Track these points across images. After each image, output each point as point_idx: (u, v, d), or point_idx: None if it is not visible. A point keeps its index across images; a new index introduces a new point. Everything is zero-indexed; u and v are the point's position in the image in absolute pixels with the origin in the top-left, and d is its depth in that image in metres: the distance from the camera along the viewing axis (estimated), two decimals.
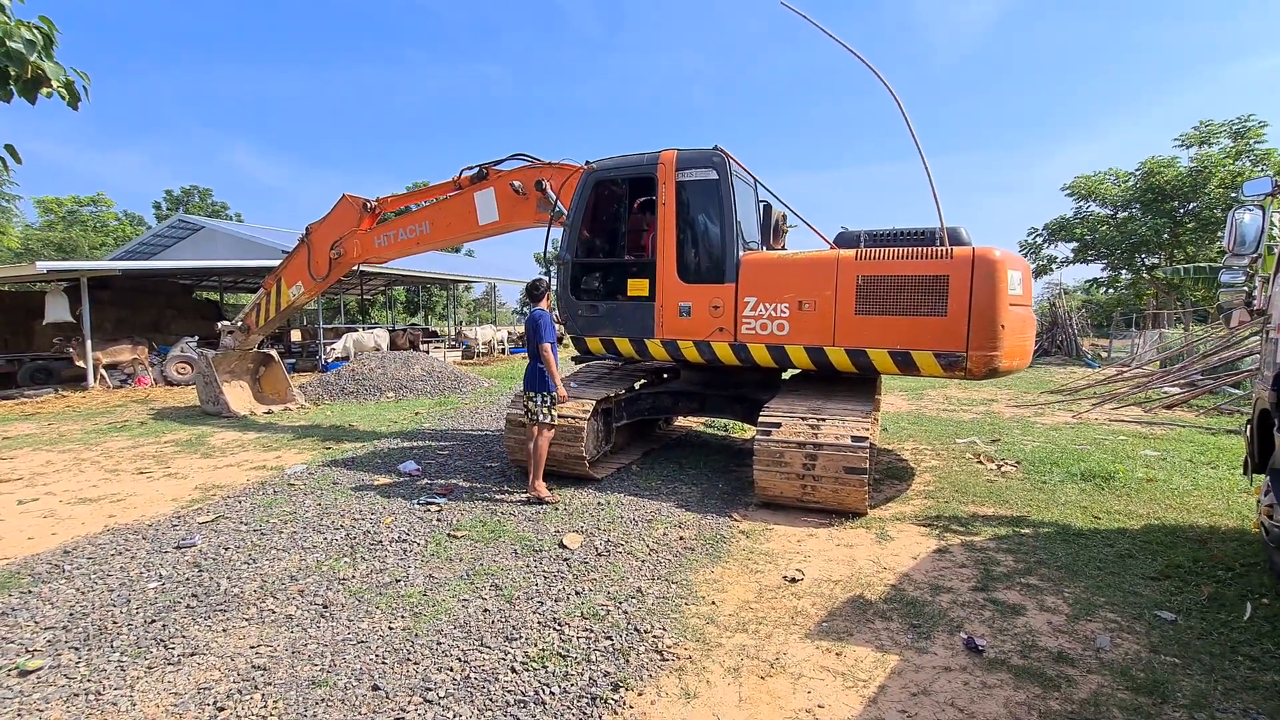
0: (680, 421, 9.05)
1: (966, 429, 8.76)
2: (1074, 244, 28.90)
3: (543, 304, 5.64)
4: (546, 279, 5.91)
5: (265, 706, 2.71)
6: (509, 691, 2.79)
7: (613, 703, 2.71)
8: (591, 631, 3.29)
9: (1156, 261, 27.62)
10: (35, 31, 3.26)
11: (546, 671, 2.93)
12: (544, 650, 3.11)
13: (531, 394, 5.51)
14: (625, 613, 3.49)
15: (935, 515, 5.08)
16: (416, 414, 10.40)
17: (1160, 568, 4.03)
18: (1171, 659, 3.01)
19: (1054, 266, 30.51)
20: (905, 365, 5.21)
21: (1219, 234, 24.77)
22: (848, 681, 2.86)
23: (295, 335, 23.71)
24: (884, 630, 3.32)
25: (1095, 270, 31.01)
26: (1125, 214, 27.00)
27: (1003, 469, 6.51)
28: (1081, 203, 28.49)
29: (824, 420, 5.07)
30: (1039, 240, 30.18)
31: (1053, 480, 6.03)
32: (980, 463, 6.79)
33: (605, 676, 2.90)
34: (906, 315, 5.14)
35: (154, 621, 3.45)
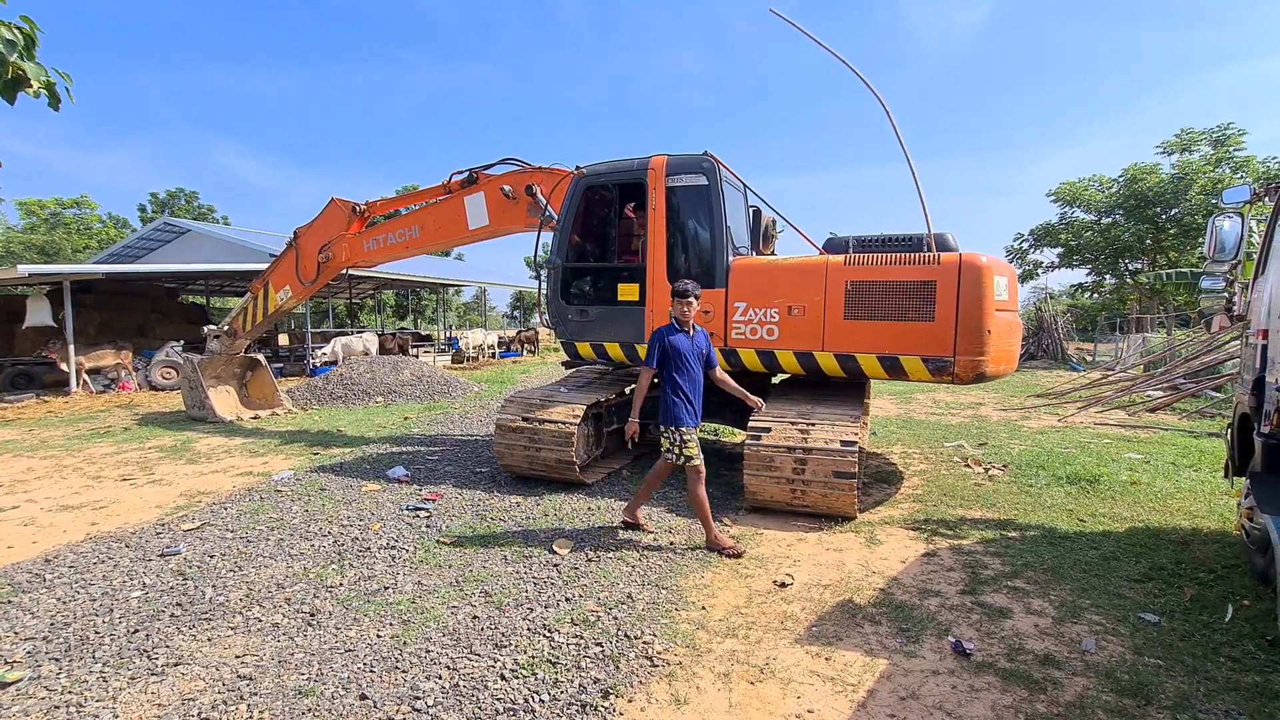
0: None
1: (954, 433, 8.83)
2: (1059, 249, 29.31)
3: (682, 309, 4.50)
4: (691, 282, 4.58)
5: (251, 717, 2.67)
6: (498, 699, 2.77)
7: (603, 709, 2.70)
8: (581, 638, 3.28)
9: (1140, 267, 28.04)
10: (16, 31, 3.22)
11: (536, 679, 2.92)
12: (533, 657, 3.10)
13: (661, 428, 4.55)
14: (615, 619, 3.48)
15: (924, 519, 5.12)
16: (405, 419, 10.34)
17: (1144, 570, 4.08)
18: (1155, 660, 3.05)
19: (1040, 271, 30.93)
20: (893, 370, 5.25)
21: (1200, 240, 25.21)
22: (837, 686, 2.87)
23: (283, 339, 23.54)
24: (873, 634, 3.33)
25: (1080, 275, 31.46)
26: (1109, 220, 27.43)
27: (990, 472, 6.57)
28: (1066, 208, 28.91)
29: (813, 425, 5.09)
30: (1025, 245, 30.58)
31: (1039, 483, 6.09)
32: (968, 466, 6.85)
33: (595, 683, 2.89)
34: (894, 320, 5.18)
35: (137, 631, 3.40)
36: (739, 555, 4.38)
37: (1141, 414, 10.29)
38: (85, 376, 14.00)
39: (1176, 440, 8.09)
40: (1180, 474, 6.38)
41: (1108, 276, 30.15)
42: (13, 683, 2.93)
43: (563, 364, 7.56)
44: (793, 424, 5.15)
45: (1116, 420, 9.87)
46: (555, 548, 4.49)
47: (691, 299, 4.49)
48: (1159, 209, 25.56)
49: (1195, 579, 3.92)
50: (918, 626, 3.39)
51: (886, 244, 5.59)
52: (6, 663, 3.11)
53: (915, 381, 5.33)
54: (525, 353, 26.49)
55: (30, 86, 3.31)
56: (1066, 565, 4.16)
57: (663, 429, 4.52)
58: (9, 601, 3.76)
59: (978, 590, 3.81)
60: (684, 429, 4.46)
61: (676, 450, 4.49)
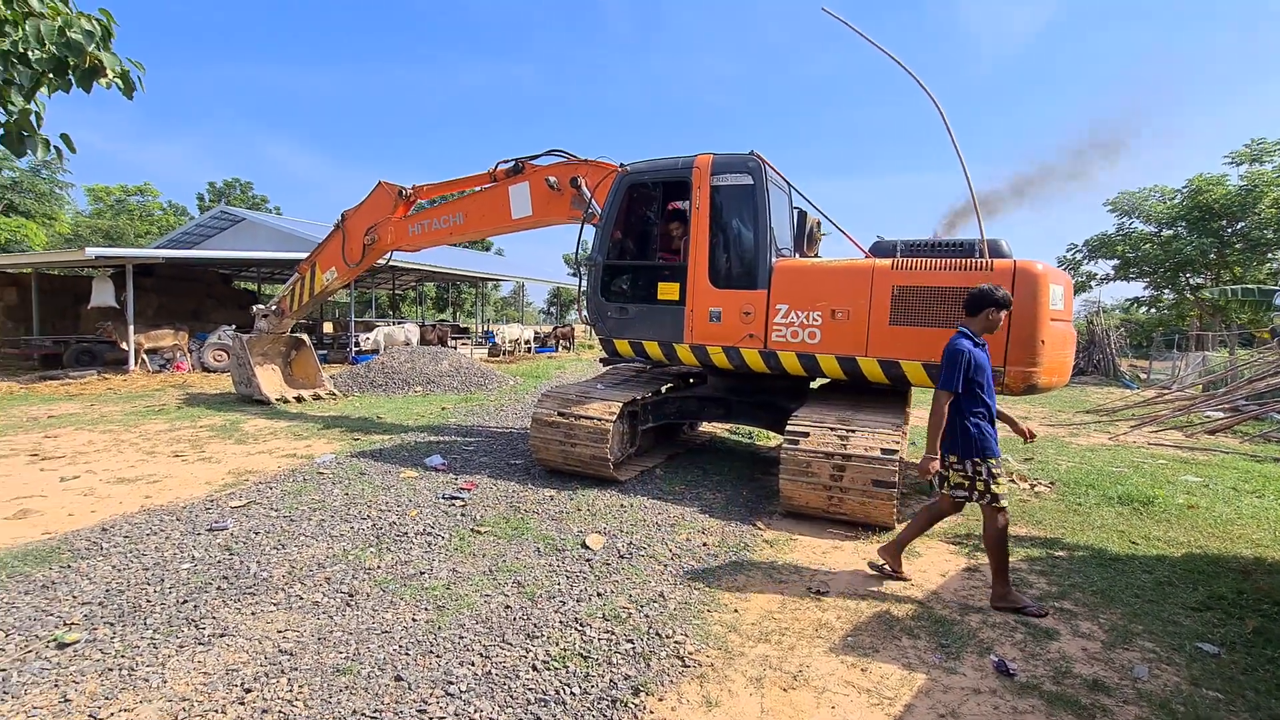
0: (704, 427, 9.00)
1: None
2: (1115, 261, 28.19)
3: (998, 319, 3.82)
4: (996, 290, 3.81)
5: (291, 691, 2.74)
6: (530, 689, 2.79)
7: (633, 706, 2.69)
8: (613, 634, 3.27)
9: (1201, 281, 26.76)
10: (94, 23, 3.37)
11: (567, 671, 2.93)
12: (565, 650, 3.11)
13: (951, 458, 3.76)
14: (647, 616, 3.47)
15: (965, 533, 4.96)
16: (443, 409, 10.52)
17: (1202, 598, 3.88)
18: (1214, 693, 2.89)
19: (1093, 284, 29.81)
20: None
21: (1270, 255, 23.91)
22: (873, 699, 2.80)
23: (327, 327, 24.22)
24: (911, 648, 3.24)
25: (1137, 289, 30.18)
26: (1170, 232, 26.25)
27: (1036, 489, 6.34)
28: (1124, 219, 27.77)
29: (853, 431, 4.99)
30: (1079, 256, 29.49)
31: (1088, 502, 5.85)
32: (1012, 481, 6.62)
33: (626, 680, 2.88)
34: (943, 327, 5.04)
35: (186, 601, 3.53)
36: (1043, 615, 3.61)
37: (1200, 435, 9.80)
38: (143, 356, 14.65)
39: (1238, 464, 7.69)
40: (1242, 500, 6.06)
41: (1166, 291, 28.86)
42: (71, 644, 3.08)
43: (601, 360, 7.58)
44: (831, 429, 5.05)
45: (1173, 441, 9.42)
46: (588, 542, 4.49)
47: (1009, 309, 3.87)
48: (1225, 222, 24.35)
49: (1258, 610, 3.71)
50: (958, 643, 3.28)
51: (936, 249, 5.44)
52: (66, 624, 3.26)
53: None
54: (560, 348, 26.69)
55: (105, 76, 3.46)
56: (1117, 588, 3.98)
57: (961, 461, 3.73)
58: (69, 567, 3.95)
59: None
60: (992, 460, 3.69)
61: (981, 487, 3.66)
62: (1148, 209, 26.72)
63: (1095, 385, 18.16)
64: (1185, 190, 25.68)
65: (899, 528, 4.81)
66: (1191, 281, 27.28)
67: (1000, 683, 2.94)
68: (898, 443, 4.85)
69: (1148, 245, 26.71)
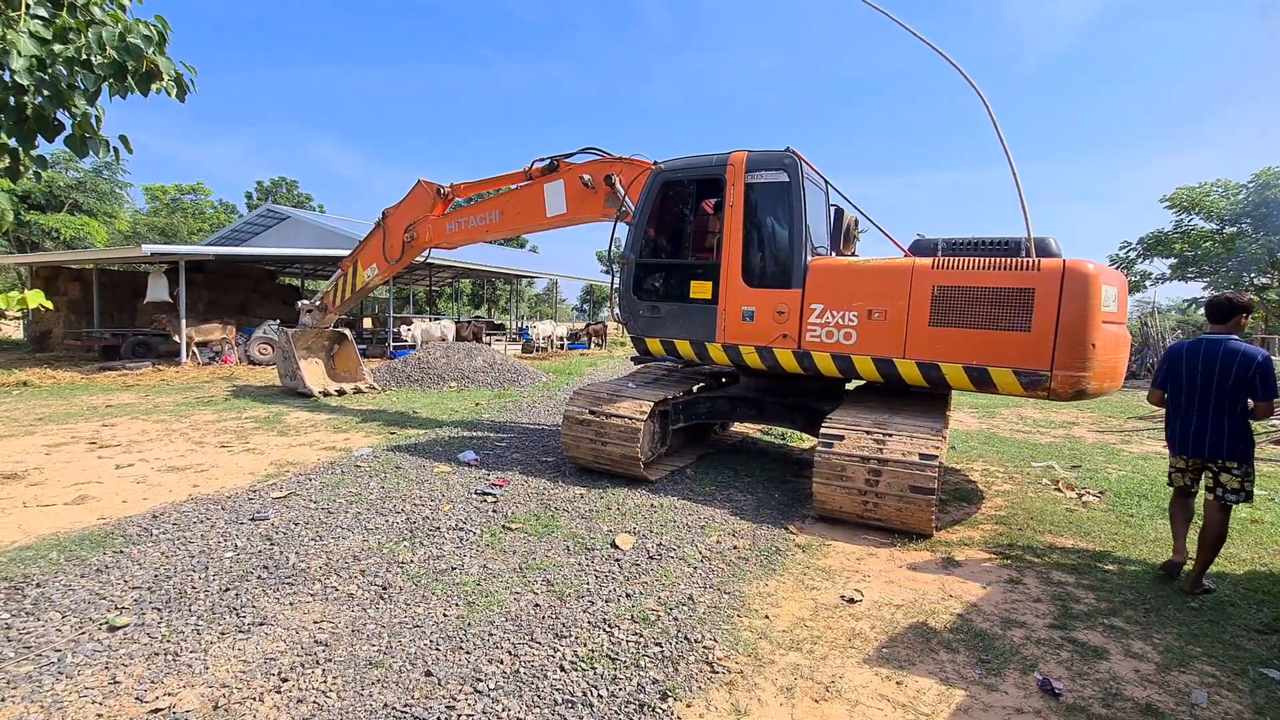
0: (736, 427, 8.91)
1: (1043, 453, 8.25)
2: (1172, 260, 26.92)
3: (1228, 328, 4.04)
4: (1239, 296, 4.10)
5: (325, 682, 2.80)
6: (557, 689, 2.78)
7: (661, 712, 2.66)
8: (641, 636, 3.25)
9: (1268, 282, 25.37)
10: (151, 28, 3.50)
11: (595, 673, 2.91)
12: (593, 651, 3.09)
13: (1231, 464, 3.85)
14: (675, 619, 3.44)
15: (1008, 543, 4.79)
16: (477, 404, 10.65)
17: (1266, 620, 3.66)
18: None
19: (1148, 284, 28.54)
20: (981, 382, 4.93)
21: None
22: (909, 714, 2.72)
23: (366, 323, 24.83)
24: (949, 662, 3.13)
25: (1195, 289, 28.82)
26: (1233, 229, 24.94)
27: (1084, 498, 6.09)
28: (1183, 215, 26.49)
29: (890, 435, 4.86)
30: (1132, 255, 28.26)
31: (1141, 514, 5.59)
32: (1059, 490, 6.37)
33: (654, 684, 2.85)
34: (985, 329, 4.87)
35: (228, 590, 3.64)
36: (1211, 591, 3.91)
37: (1265, 446, 9.28)
38: (194, 348, 15.23)
39: None
40: None
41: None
42: (121, 627, 3.20)
43: (632, 359, 7.56)
44: (868, 433, 4.93)
45: None
46: (617, 542, 4.48)
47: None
48: None
49: None
50: (999, 659, 3.16)
51: (980, 248, 5.27)
52: (117, 608, 3.39)
53: (1004, 395, 5.00)
54: (592, 346, 26.79)
55: (162, 79, 3.58)
56: (1173, 607, 3.78)
57: (1241, 465, 3.84)
58: (121, 552, 4.11)
59: (1069, 625, 3.53)
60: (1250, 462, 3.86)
61: (1250, 487, 3.84)
62: (1209, 205, 25.44)
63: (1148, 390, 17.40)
64: (1251, 185, 24.38)
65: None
66: (1257, 282, 25.88)
67: (1045, 703, 2.82)
68: (937, 447, 4.70)
69: (1208, 243, 25.45)
